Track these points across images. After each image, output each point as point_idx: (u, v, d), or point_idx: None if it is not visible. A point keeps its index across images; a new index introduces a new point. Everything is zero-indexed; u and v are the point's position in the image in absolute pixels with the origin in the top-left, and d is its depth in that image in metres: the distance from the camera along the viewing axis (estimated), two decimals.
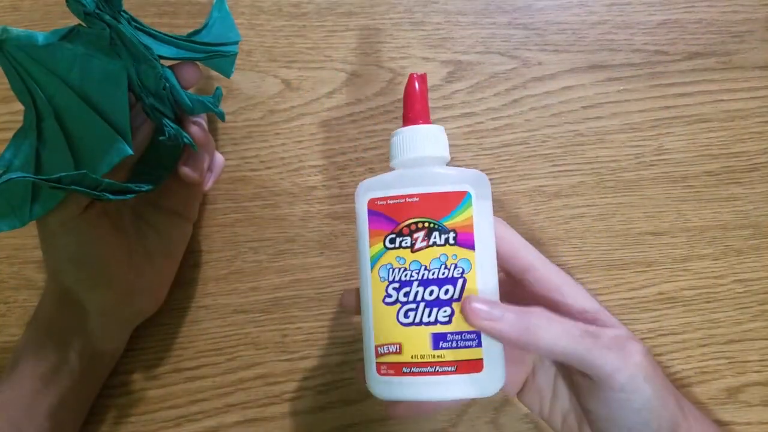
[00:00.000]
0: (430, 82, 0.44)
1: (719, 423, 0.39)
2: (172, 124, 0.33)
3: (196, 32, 0.36)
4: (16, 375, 0.33)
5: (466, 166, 0.43)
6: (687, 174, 0.43)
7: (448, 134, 0.43)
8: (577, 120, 0.43)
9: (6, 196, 0.31)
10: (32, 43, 0.30)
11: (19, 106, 0.44)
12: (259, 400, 0.38)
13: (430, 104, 0.44)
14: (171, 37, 0.34)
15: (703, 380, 0.40)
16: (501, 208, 0.42)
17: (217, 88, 0.34)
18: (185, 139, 0.33)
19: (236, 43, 0.37)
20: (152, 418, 0.38)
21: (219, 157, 0.38)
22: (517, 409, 0.38)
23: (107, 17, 0.30)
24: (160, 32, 0.34)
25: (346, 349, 0.40)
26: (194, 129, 0.35)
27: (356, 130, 0.43)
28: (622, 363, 0.27)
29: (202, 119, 0.36)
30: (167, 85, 0.33)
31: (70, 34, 0.31)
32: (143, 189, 0.33)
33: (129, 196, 0.32)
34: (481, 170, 0.42)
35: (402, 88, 0.44)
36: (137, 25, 0.33)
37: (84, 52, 0.31)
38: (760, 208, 0.43)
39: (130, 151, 0.31)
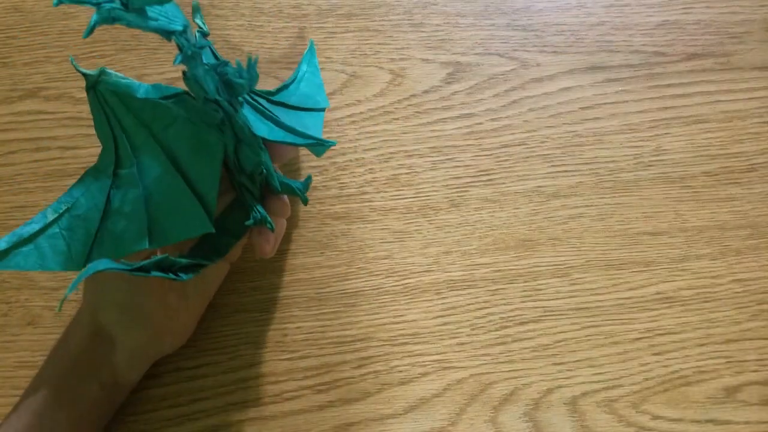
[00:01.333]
0: (428, 83, 0.44)
1: (717, 422, 0.39)
2: (260, 210, 0.33)
3: (284, 87, 0.35)
4: (36, 401, 0.33)
5: (465, 167, 0.43)
6: (685, 174, 0.43)
7: (447, 135, 0.44)
8: (576, 121, 0.44)
9: (64, 239, 0.30)
10: (129, 93, 0.29)
11: (23, 107, 0.44)
12: (259, 399, 0.39)
13: (429, 105, 0.44)
14: (261, 95, 0.33)
15: (701, 379, 0.40)
16: (500, 209, 0.42)
17: (308, 177, 0.34)
18: (269, 225, 0.33)
19: (323, 110, 0.37)
20: (153, 417, 0.38)
21: (282, 223, 0.38)
22: (516, 408, 0.39)
23: (225, 105, 0.29)
24: (259, 96, 0.33)
25: (346, 349, 0.40)
26: (279, 204, 0.35)
27: (356, 131, 0.44)
28: None
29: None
30: (264, 171, 0.32)
31: (174, 97, 0.30)
32: (213, 260, 0.32)
33: (199, 271, 0.31)
34: (481, 171, 0.42)
35: (401, 89, 0.44)
36: (249, 99, 0.32)
37: (185, 116, 0.30)
38: (758, 208, 0.43)
39: (212, 229, 0.30)
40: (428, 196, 0.43)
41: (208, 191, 0.31)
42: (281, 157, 0.36)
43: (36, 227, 0.30)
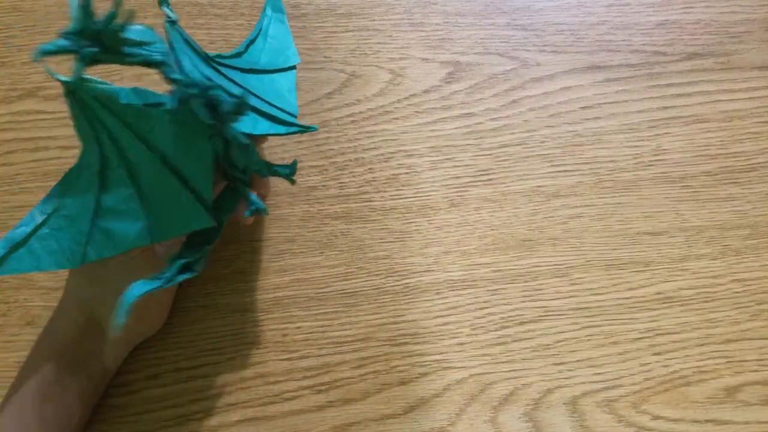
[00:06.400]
0: (428, 83, 0.44)
1: (718, 422, 0.39)
2: (256, 200, 0.34)
3: (251, 42, 0.36)
4: (24, 396, 0.33)
5: (465, 166, 0.43)
6: (685, 174, 0.43)
7: (446, 135, 0.44)
8: (576, 120, 0.44)
9: (56, 239, 0.31)
10: (110, 97, 0.29)
11: (22, 106, 0.44)
12: (259, 399, 0.39)
13: (429, 105, 0.44)
14: (233, 66, 0.34)
15: (701, 379, 0.40)
16: (500, 209, 0.42)
17: (294, 162, 0.34)
18: (265, 213, 0.35)
19: (294, 68, 0.37)
20: (153, 417, 0.38)
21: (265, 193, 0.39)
22: (516, 408, 0.39)
23: (218, 126, 0.30)
24: (231, 68, 0.33)
25: (345, 349, 0.40)
26: (262, 183, 0.36)
27: (356, 130, 0.44)
28: None
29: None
30: (257, 170, 0.33)
31: (158, 106, 0.29)
32: (213, 242, 0.34)
33: (206, 258, 0.33)
34: (480, 170, 0.42)
35: (401, 88, 0.44)
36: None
37: (169, 120, 0.30)
38: (758, 207, 0.43)
39: (212, 223, 0.31)
40: (428, 195, 0.42)
41: (203, 188, 0.31)
42: (261, 140, 0.37)
43: (27, 230, 0.30)
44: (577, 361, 0.40)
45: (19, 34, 0.45)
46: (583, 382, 0.39)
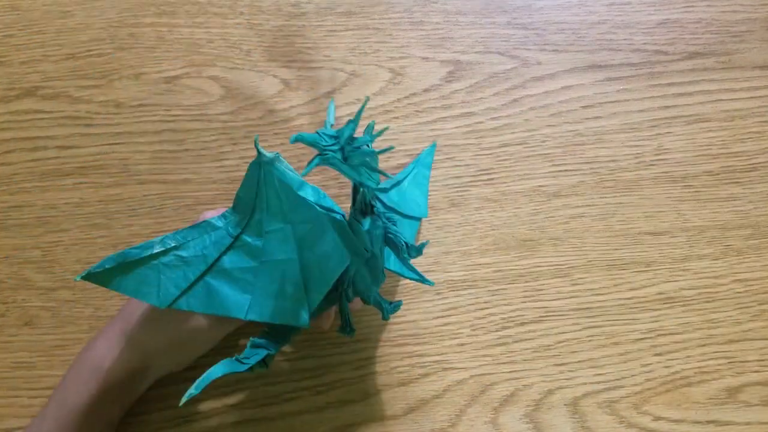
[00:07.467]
0: (428, 82, 0.44)
1: (719, 423, 0.39)
2: (351, 323, 0.35)
3: (397, 183, 0.37)
4: (62, 422, 0.33)
5: (465, 166, 0.43)
6: (686, 174, 0.43)
7: (447, 134, 0.44)
8: (577, 120, 0.43)
9: (161, 273, 0.31)
10: (289, 184, 0.30)
11: (20, 106, 0.44)
12: (258, 400, 0.38)
13: (429, 104, 0.44)
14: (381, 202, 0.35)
15: (702, 380, 0.40)
16: (501, 209, 0.42)
17: (399, 303, 0.35)
18: (352, 335, 0.35)
19: (419, 219, 0.39)
20: (151, 418, 0.38)
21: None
22: (517, 409, 0.38)
23: (377, 252, 0.31)
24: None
25: (345, 350, 0.40)
26: (357, 306, 0.37)
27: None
28: None
29: None
30: (366, 295, 0.34)
31: (329, 211, 0.30)
32: (282, 345, 0.35)
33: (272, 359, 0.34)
34: (481, 170, 0.42)
35: (401, 87, 0.44)
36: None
37: (327, 226, 0.31)
38: (759, 207, 0.43)
39: (308, 326, 0.32)
40: (428, 195, 0.42)
41: (317, 293, 0.32)
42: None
43: (141, 254, 0.31)
44: (579, 361, 0.39)
45: (17, 33, 0.44)
46: (585, 383, 0.39)
